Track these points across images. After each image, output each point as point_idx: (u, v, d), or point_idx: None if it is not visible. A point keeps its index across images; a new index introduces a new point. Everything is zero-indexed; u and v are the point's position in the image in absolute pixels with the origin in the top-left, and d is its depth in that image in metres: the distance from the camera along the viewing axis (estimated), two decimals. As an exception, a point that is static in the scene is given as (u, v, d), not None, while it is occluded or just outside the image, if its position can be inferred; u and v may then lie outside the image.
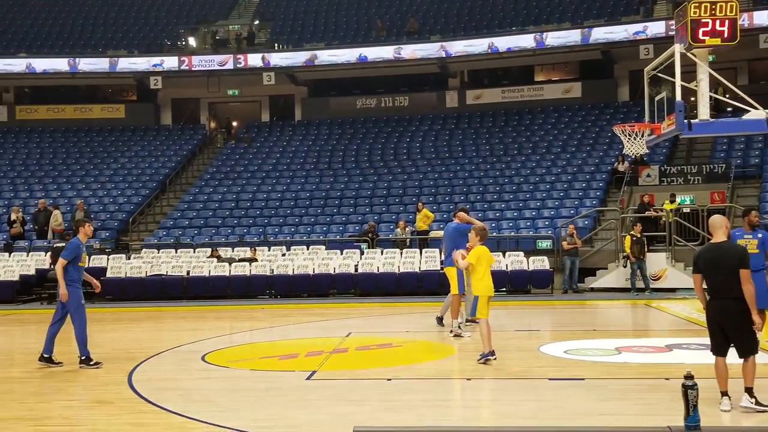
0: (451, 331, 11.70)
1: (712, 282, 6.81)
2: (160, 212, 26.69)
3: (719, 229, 6.93)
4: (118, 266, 20.58)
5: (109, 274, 20.19)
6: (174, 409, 7.33)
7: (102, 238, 23.56)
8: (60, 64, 30.73)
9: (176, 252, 21.83)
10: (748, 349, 6.72)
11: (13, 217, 23.44)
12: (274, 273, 19.92)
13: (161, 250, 22.05)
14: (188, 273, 20.21)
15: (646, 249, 18.75)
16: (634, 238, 18.58)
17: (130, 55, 31.26)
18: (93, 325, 11.02)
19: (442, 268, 13.24)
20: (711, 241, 7.06)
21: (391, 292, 19.07)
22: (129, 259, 21.28)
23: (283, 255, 21.05)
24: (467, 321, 11.81)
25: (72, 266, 9.83)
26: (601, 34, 27.80)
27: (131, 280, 20.10)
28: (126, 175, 28.38)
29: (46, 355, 9.79)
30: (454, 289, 11.63)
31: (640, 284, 18.67)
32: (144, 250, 22.33)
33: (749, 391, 6.67)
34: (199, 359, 10.27)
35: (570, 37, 28.15)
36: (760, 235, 9.64)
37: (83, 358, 9.67)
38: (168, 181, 28.00)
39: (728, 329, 6.71)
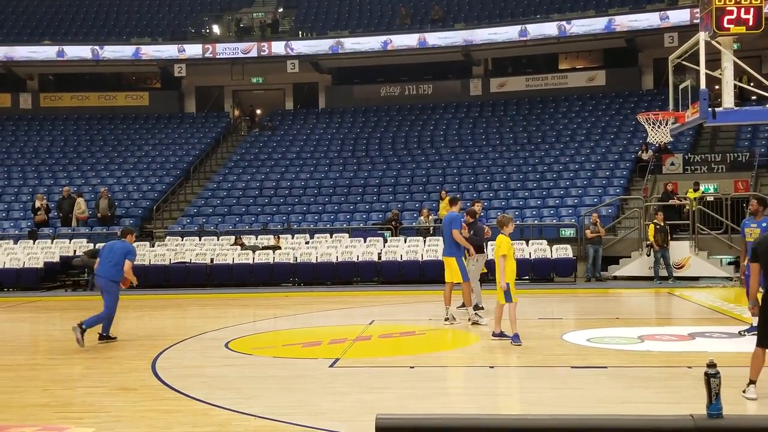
0: (452, 318, 11.82)
1: None
2: (184, 200, 26.89)
3: None
4: (142, 254, 20.67)
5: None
6: (197, 396, 7.40)
7: (126, 225, 23.79)
8: (84, 51, 30.95)
9: (200, 240, 22.02)
10: None
11: (38, 204, 23.73)
12: (298, 261, 20.04)
13: (185, 238, 22.26)
14: (212, 261, 20.38)
15: (669, 237, 18.64)
16: (658, 227, 18.48)
17: (154, 43, 31.41)
18: (118, 313, 11.20)
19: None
20: None
21: (415, 280, 19.12)
22: (153, 246, 21.51)
23: (307, 243, 21.16)
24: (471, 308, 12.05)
25: (122, 265, 10.90)
26: (626, 21, 27.58)
27: (155, 268, 20.29)
28: (150, 163, 28.61)
29: (104, 334, 10.82)
30: (458, 277, 11.67)
31: (664, 273, 18.58)
32: (168, 237, 22.56)
33: None
34: (223, 346, 10.38)
35: (594, 24, 27.94)
36: (764, 224, 9.59)
37: (84, 327, 10.41)
38: (192, 169, 28.20)
39: None
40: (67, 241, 21.91)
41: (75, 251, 21.11)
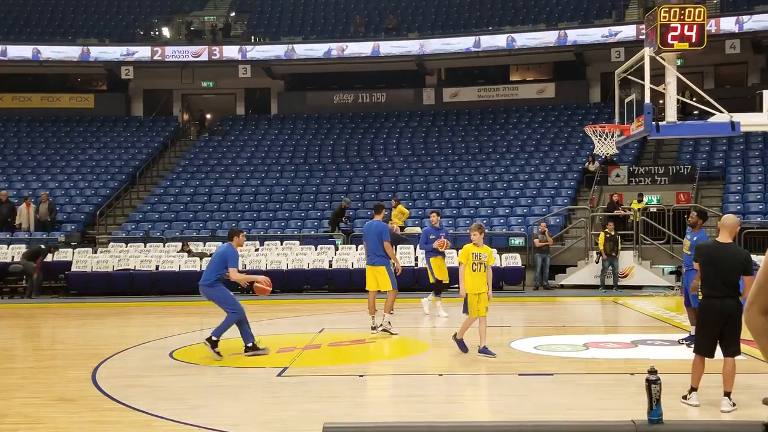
0: (381, 326, 11.76)
1: (709, 279, 6.77)
2: (129, 205, 26.42)
3: (727, 229, 6.97)
4: (84, 260, 20.21)
5: (74, 268, 19.89)
6: (139, 407, 7.23)
7: (67, 231, 23.30)
8: (26, 51, 30.06)
9: (145, 246, 21.63)
10: (737, 349, 6.78)
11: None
12: (247, 268, 19.80)
13: (129, 244, 21.82)
14: (157, 268, 20.03)
15: (619, 247, 18.95)
16: (608, 236, 18.80)
17: (101, 44, 30.81)
18: (58, 321, 10.94)
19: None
20: (715, 239, 7.13)
21: (366, 288, 19.02)
22: (96, 253, 21.00)
23: (256, 250, 20.97)
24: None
25: (221, 271, 10.04)
26: (575, 36, 28.09)
27: (97, 275, 19.76)
28: (94, 167, 28.01)
29: (249, 344, 9.90)
30: (387, 286, 11.73)
31: (609, 281, 18.89)
32: (111, 244, 22.09)
33: (729, 395, 6.73)
34: (167, 356, 10.19)
35: (544, 38, 28.41)
36: (695, 238, 9.75)
37: (215, 339, 9.73)
38: (138, 174, 27.72)
39: (725, 328, 6.68)
40: (5, 246, 21.29)
41: (13, 257, 20.54)
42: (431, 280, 13.75)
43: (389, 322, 11.81)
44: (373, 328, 11.79)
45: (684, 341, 10.23)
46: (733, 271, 6.71)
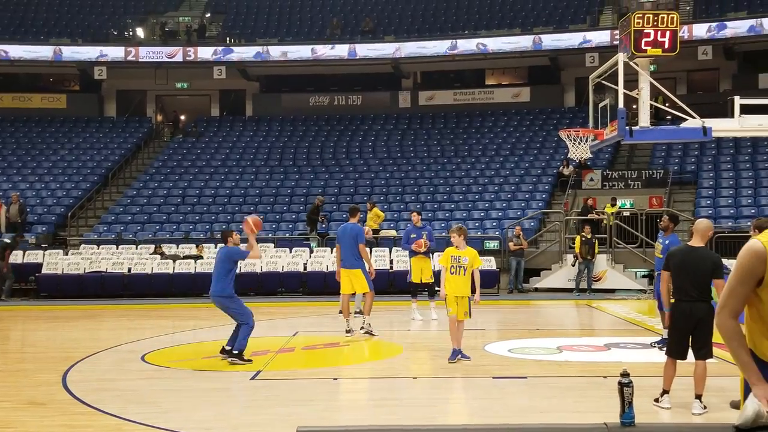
0: (362, 328, 11.81)
1: (680, 283, 6.81)
2: (101, 207, 26.12)
3: (699, 233, 7.00)
4: (55, 262, 19.96)
5: (44, 270, 19.67)
6: (110, 410, 7.15)
7: (38, 232, 23.00)
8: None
9: (117, 248, 21.40)
10: (708, 352, 6.81)
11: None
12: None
13: (101, 246, 21.58)
14: (129, 270, 19.82)
15: (596, 250, 19.03)
16: (584, 239, 18.91)
17: (74, 44, 30.47)
18: (28, 324, 10.79)
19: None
20: (687, 243, 7.17)
21: (340, 291, 18.98)
22: (67, 255, 20.76)
23: (230, 252, 20.79)
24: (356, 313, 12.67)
25: (231, 277, 9.66)
26: (549, 41, 28.29)
27: (69, 277, 19.54)
28: (66, 168, 27.70)
29: (234, 351, 9.52)
30: (365, 288, 11.74)
31: (583, 285, 19.00)
32: (83, 245, 21.83)
33: (700, 397, 6.76)
34: (139, 359, 10.08)
35: (519, 42, 28.57)
36: (667, 242, 9.84)
37: (236, 352, 9.42)
38: (111, 175, 27.44)
39: (696, 331, 6.72)
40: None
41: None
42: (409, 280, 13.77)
43: (369, 324, 11.81)
44: (348, 331, 11.73)
45: (656, 344, 10.31)
46: (705, 275, 6.76)
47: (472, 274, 9.38)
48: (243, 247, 9.88)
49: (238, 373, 8.98)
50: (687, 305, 6.74)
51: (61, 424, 6.76)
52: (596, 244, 19.10)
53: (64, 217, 24.44)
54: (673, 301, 6.96)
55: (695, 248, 6.96)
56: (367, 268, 11.84)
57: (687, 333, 6.77)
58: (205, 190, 26.09)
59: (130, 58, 29.89)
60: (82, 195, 25.80)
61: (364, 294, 12.01)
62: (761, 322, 3.34)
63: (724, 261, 9.54)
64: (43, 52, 29.95)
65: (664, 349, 10.05)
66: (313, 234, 22.05)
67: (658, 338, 10.46)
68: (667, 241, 9.85)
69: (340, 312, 12.75)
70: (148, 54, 30.04)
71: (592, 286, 19.04)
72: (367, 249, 12.14)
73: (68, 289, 19.27)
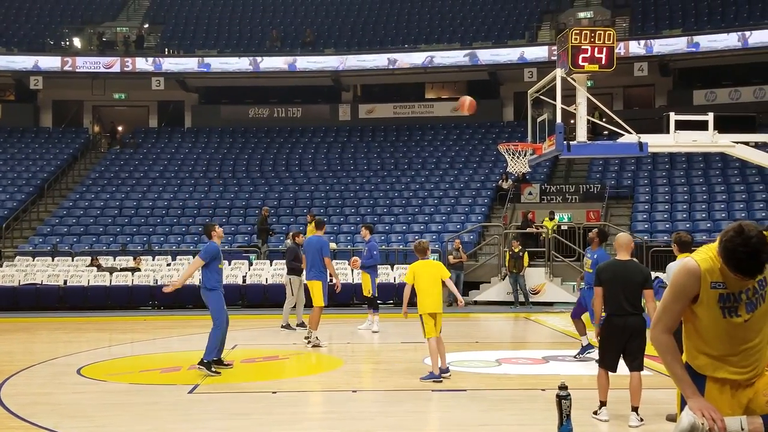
0: (309, 341, 11.92)
1: (612, 297, 6.91)
2: (36, 218, 25.51)
3: (623, 247, 7.17)
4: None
5: (-22, 283, 19.14)
6: (45, 425, 7.00)
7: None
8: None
9: (53, 260, 20.92)
10: (641, 363, 6.94)
11: None
12: (158, 283, 19.37)
13: (36, 258, 21.09)
14: (65, 282, 19.40)
15: (525, 263, 19.19)
16: (511, 254, 19.16)
17: (9, 53, 29.84)
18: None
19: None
20: (616, 258, 7.30)
21: (280, 304, 18.79)
22: (1, 266, 20.27)
23: (168, 265, 20.53)
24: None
25: (212, 269, 9.87)
26: (488, 56, 28.75)
27: (3, 289, 19.10)
28: (0, 179, 27.00)
29: (216, 358, 9.58)
30: (320, 301, 11.89)
31: (521, 298, 19.23)
32: (18, 257, 21.30)
33: (636, 410, 6.86)
34: (75, 372, 9.88)
35: (459, 57, 28.95)
36: (596, 256, 10.06)
37: (205, 361, 9.34)
38: (46, 186, 26.83)
39: (629, 344, 6.83)
40: None
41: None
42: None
43: (317, 337, 11.95)
44: (306, 338, 12.00)
45: (578, 355, 10.51)
46: (636, 287, 6.92)
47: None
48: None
49: (175, 387, 8.84)
50: (620, 319, 6.85)
51: (-9, 442, 6.57)
52: (525, 258, 19.18)
53: (-2, 228, 23.81)
54: (604, 314, 7.09)
55: (625, 262, 7.12)
56: (328, 282, 12.04)
57: (620, 346, 6.89)
58: (143, 201, 25.68)
59: (66, 68, 29.32)
60: (17, 206, 25.19)
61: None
62: (697, 336, 3.44)
63: (659, 275, 9.80)
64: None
65: (581, 357, 10.27)
66: (264, 246, 21.76)
67: (579, 349, 10.65)
68: (595, 256, 10.06)
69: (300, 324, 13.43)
70: (85, 64, 29.51)
71: (531, 299, 19.27)
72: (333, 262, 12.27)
73: (2, 301, 18.80)
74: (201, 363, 9.44)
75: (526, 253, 19.24)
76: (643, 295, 6.96)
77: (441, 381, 8.87)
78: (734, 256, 3.21)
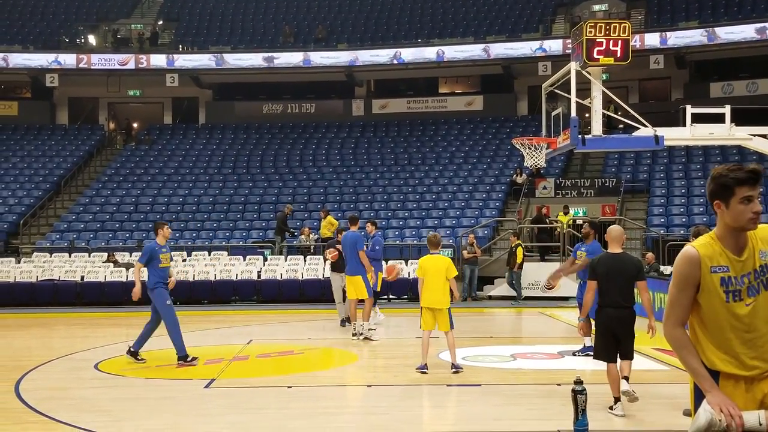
0: (361, 334, 12.01)
1: (607, 290, 7.01)
2: (53, 215, 25.70)
3: (615, 240, 7.22)
4: (7, 270, 19.70)
5: (-4, 279, 19.31)
6: (63, 419, 7.06)
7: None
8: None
9: (70, 256, 21.07)
10: (631, 352, 7.14)
11: None
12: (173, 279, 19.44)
13: (54, 254, 21.25)
14: (82, 278, 19.54)
15: (517, 259, 18.66)
16: (510, 250, 19.07)
17: (25, 51, 30.01)
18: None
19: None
20: (608, 251, 7.33)
21: (294, 299, 18.97)
22: (19, 263, 20.42)
23: (184, 261, 20.63)
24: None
25: (152, 268, 10.26)
26: (502, 50, 28.59)
27: (21, 285, 19.24)
28: (18, 176, 27.22)
29: (132, 349, 10.10)
30: (363, 294, 12.02)
31: (528, 293, 18.99)
32: (35, 254, 21.48)
33: (626, 378, 7.08)
34: (92, 367, 9.96)
35: (472, 51, 28.83)
36: (590, 249, 10.00)
37: (180, 356, 9.80)
38: (63, 183, 27.02)
39: (622, 335, 6.97)
40: None
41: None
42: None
43: (369, 329, 12.07)
44: (354, 335, 12.04)
45: (578, 353, 10.38)
46: (629, 279, 7.02)
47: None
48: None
49: (191, 382, 8.90)
50: (614, 311, 6.97)
51: (10, 435, 6.64)
52: (518, 253, 18.72)
53: (16, 225, 24.07)
54: (597, 307, 7.17)
55: (618, 254, 7.22)
56: (366, 274, 12.12)
57: (616, 338, 7.00)
58: (158, 198, 25.81)
59: (82, 65, 29.48)
60: (34, 203, 25.39)
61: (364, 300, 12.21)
62: (702, 329, 3.40)
63: (668, 268, 9.78)
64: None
65: (580, 355, 10.18)
66: (282, 244, 21.75)
67: (580, 347, 10.53)
68: (589, 249, 10.04)
69: (345, 320, 13.36)
70: (100, 61, 29.66)
71: (546, 294, 19.10)
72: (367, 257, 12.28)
73: (20, 297, 18.95)
74: (179, 359, 9.85)
75: (519, 248, 18.94)
76: (636, 286, 7.08)
77: (426, 373, 9.05)
78: (726, 177, 3.42)
